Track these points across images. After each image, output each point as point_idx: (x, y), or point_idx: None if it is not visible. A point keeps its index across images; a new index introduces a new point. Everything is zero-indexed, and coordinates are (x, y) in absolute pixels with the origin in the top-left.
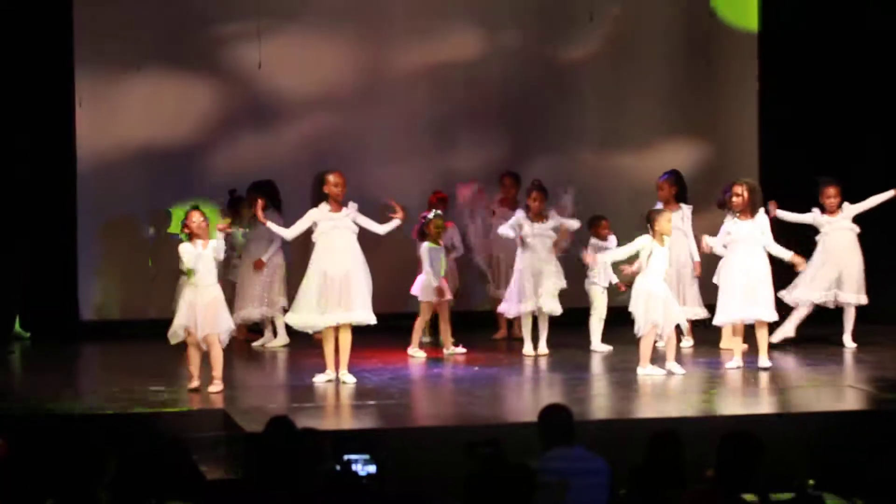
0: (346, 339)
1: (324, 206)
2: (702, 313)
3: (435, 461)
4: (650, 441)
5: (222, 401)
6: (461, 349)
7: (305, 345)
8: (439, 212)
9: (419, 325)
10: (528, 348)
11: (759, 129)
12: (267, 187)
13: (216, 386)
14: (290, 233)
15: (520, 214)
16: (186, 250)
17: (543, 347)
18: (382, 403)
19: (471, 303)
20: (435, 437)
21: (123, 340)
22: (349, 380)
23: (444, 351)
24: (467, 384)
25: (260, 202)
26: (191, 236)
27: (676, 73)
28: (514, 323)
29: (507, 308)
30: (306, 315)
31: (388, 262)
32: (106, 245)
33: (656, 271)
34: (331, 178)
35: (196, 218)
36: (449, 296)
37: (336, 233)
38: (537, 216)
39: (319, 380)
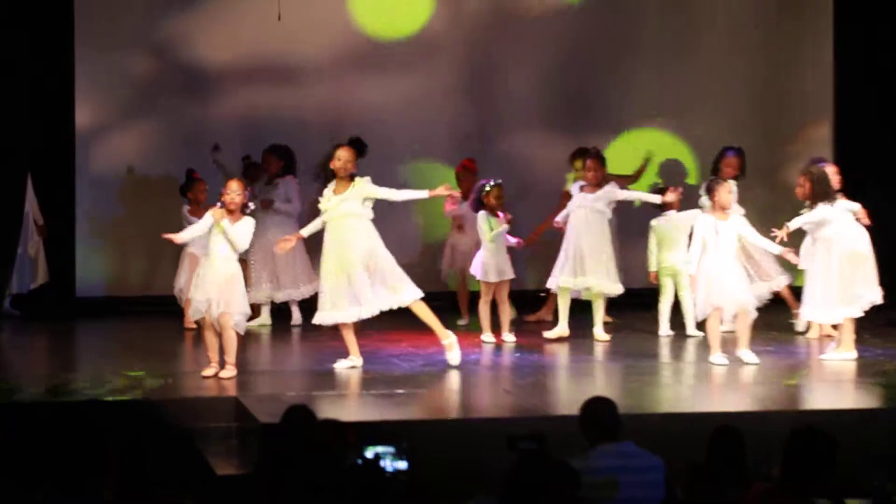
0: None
1: (330, 188)
2: (784, 280)
3: (471, 456)
4: (711, 436)
5: (235, 388)
6: (513, 336)
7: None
8: (499, 180)
9: (484, 308)
10: (553, 330)
11: (835, 94)
12: (282, 150)
13: (228, 371)
14: (305, 231)
15: (576, 186)
16: (202, 219)
17: (600, 333)
18: (413, 392)
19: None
20: (472, 430)
21: (124, 319)
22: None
23: (502, 336)
24: (508, 372)
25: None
26: (224, 206)
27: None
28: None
29: (550, 282)
30: (336, 314)
31: (419, 239)
32: (105, 214)
33: (720, 248)
34: (338, 152)
35: (233, 188)
36: (511, 274)
37: (339, 222)
38: (590, 186)
39: (342, 366)
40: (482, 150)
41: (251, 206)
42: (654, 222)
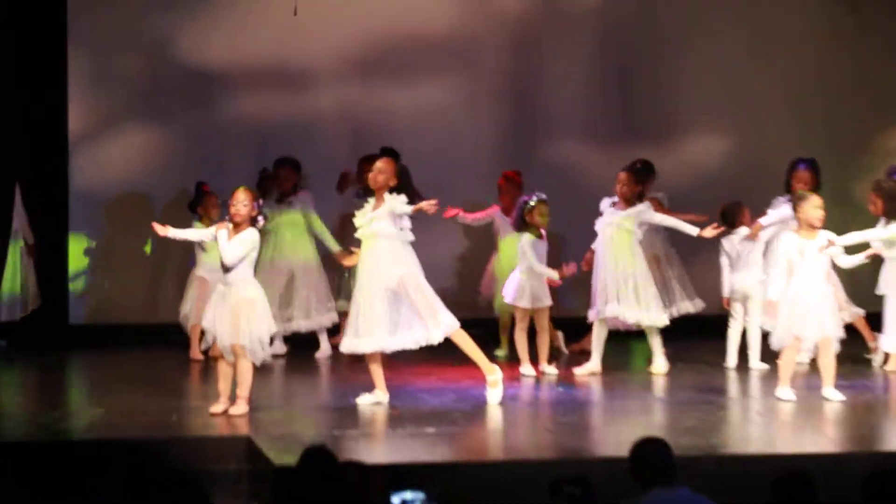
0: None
1: (370, 203)
2: (858, 311)
3: (509, 502)
4: (776, 482)
5: (247, 426)
6: (554, 368)
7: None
8: (543, 195)
9: (520, 337)
10: (584, 366)
11: None
12: (296, 163)
13: (240, 407)
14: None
15: (606, 201)
16: (205, 231)
17: (656, 365)
18: (445, 431)
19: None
20: (510, 473)
21: (122, 349)
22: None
23: (540, 367)
24: (549, 408)
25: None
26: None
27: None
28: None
29: (592, 314)
30: (362, 342)
31: (452, 261)
32: (101, 234)
33: (807, 271)
34: (379, 164)
35: (239, 198)
36: (548, 301)
37: (370, 242)
38: (621, 202)
39: (366, 401)
40: (522, 159)
41: (261, 219)
42: (724, 240)
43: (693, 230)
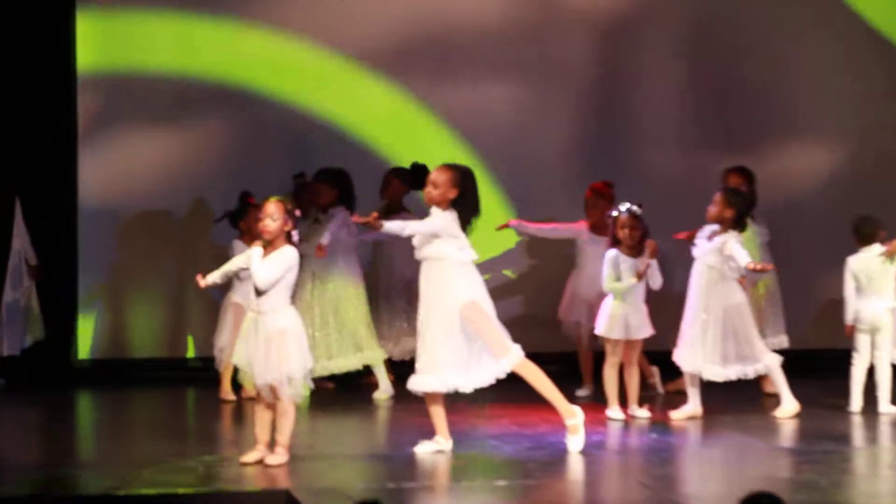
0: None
1: (451, 215)
2: None
3: None
4: None
5: (286, 478)
6: (647, 411)
7: (404, 397)
8: (634, 207)
9: (609, 374)
10: (682, 409)
11: None
12: (336, 176)
13: (278, 456)
14: (411, 228)
15: (705, 230)
16: (242, 257)
17: (787, 407)
18: (519, 484)
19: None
20: None
21: (140, 388)
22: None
23: (630, 410)
24: (641, 457)
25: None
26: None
27: None
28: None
29: (683, 357)
30: (424, 380)
31: (518, 286)
32: (116, 251)
33: None
34: (436, 176)
35: (268, 210)
36: (646, 331)
37: (429, 265)
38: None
39: (425, 449)
40: (604, 168)
41: (296, 234)
42: (851, 259)
43: (763, 267)
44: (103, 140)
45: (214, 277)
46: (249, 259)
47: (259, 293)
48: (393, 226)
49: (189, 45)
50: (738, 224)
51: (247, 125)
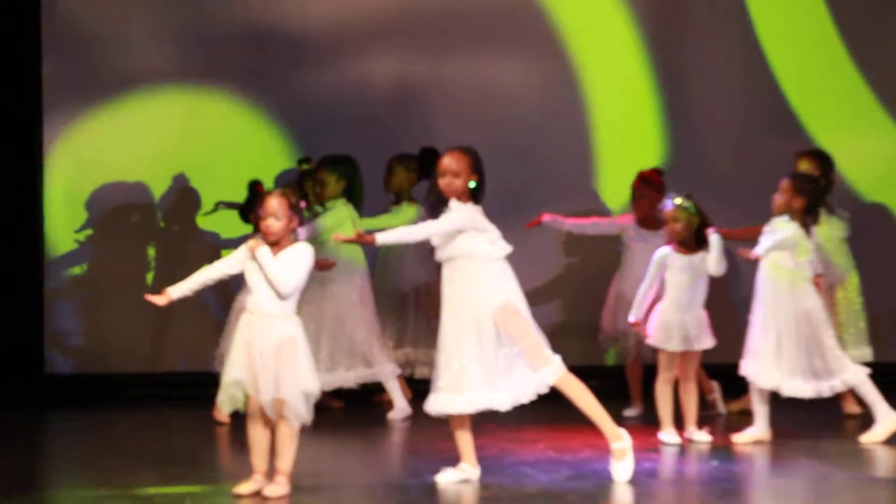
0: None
1: (473, 207)
2: None
3: None
4: None
5: None
6: (706, 435)
7: (423, 417)
8: (680, 199)
9: (663, 391)
10: (746, 432)
11: None
12: (345, 166)
13: (278, 487)
14: (424, 230)
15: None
16: (229, 261)
17: (880, 429)
18: None
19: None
20: None
21: (118, 407)
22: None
23: (687, 433)
24: (700, 489)
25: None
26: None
27: None
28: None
29: (754, 370)
30: (448, 400)
31: (554, 290)
32: (90, 252)
33: None
34: (449, 161)
35: (271, 208)
36: (707, 342)
37: (453, 266)
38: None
39: (449, 479)
40: (640, 156)
41: (301, 232)
42: None
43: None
44: (71, 114)
45: (182, 290)
46: (239, 262)
47: (265, 294)
48: (392, 236)
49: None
50: (808, 215)
51: (241, 102)
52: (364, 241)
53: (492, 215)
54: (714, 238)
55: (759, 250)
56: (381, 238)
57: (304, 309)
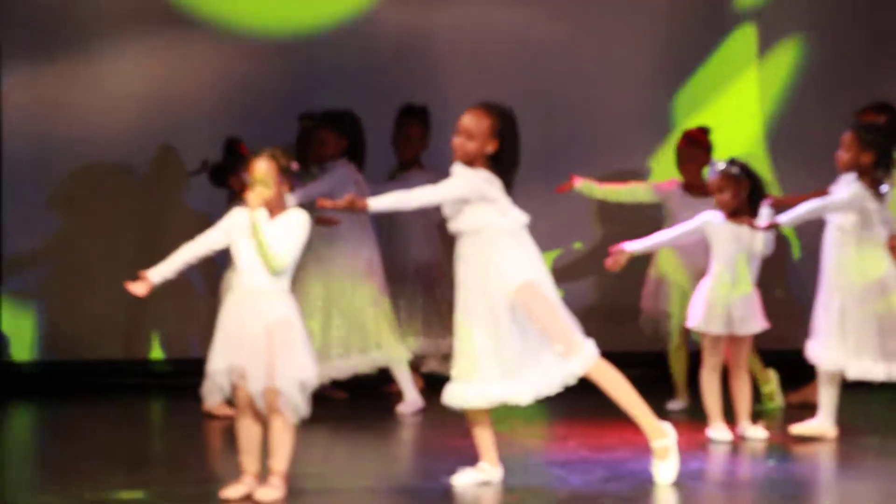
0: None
1: (482, 174)
2: None
3: None
4: None
5: None
6: (762, 430)
7: (438, 410)
8: (726, 165)
9: (709, 381)
10: (807, 423)
11: None
12: (346, 122)
13: (273, 490)
14: (419, 197)
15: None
16: (216, 235)
17: None
18: None
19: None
20: None
21: (89, 398)
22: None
23: (740, 429)
24: (754, 492)
25: None
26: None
27: None
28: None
29: (818, 352)
30: (463, 391)
31: (586, 266)
32: (53, 224)
33: None
34: (469, 121)
35: (259, 172)
36: (757, 325)
37: (467, 241)
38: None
39: (466, 481)
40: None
41: (293, 197)
42: None
43: None
44: (31, 61)
45: (164, 272)
46: (227, 234)
47: (257, 268)
48: (385, 202)
49: None
50: (881, 169)
51: (229, 50)
52: (356, 208)
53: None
54: (764, 212)
55: (781, 219)
56: (375, 204)
57: (308, 285)
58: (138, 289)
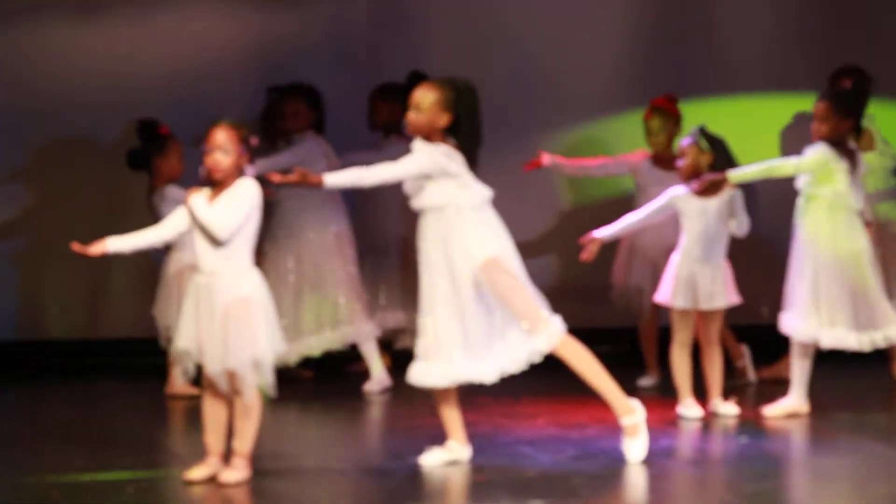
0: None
1: (442, 148)
2: None
3: None
4: None
5: (247, 500)
6: (734, 407)
7: (405, 389)
8: (696, 133)
9: (679, 357)
10: (780, 402)
11: None
12: (314, 96)
13: (236, 471)
14: (375, 174)
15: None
16: (171, 223)
17: None
18: None
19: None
20: None
21: (49, 379)
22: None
23: (711, 405)
24: (726, 469)
25: None
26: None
27: None
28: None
29: (791, 323)
30: (428, 370)
31: (556, 242)
32: (17, 199)
33: None
34: (421, 96)
35: (218, 141)
36: (726, 299)
37: (430, 217)
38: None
39: (434, 460)
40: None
41: (250, 170)
42: None
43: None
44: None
45: (124, 244)
46: (177, 221)
47: (208, 248)
48: (342, 178)
49: None
50: (854, 133)
51: (195, 22)
52: (309, 183)
53: (483, 153)
54: (730, 194)
55: (731, 173)
56: (330, 180)
57: (281, 260)
58: (91, 250)
